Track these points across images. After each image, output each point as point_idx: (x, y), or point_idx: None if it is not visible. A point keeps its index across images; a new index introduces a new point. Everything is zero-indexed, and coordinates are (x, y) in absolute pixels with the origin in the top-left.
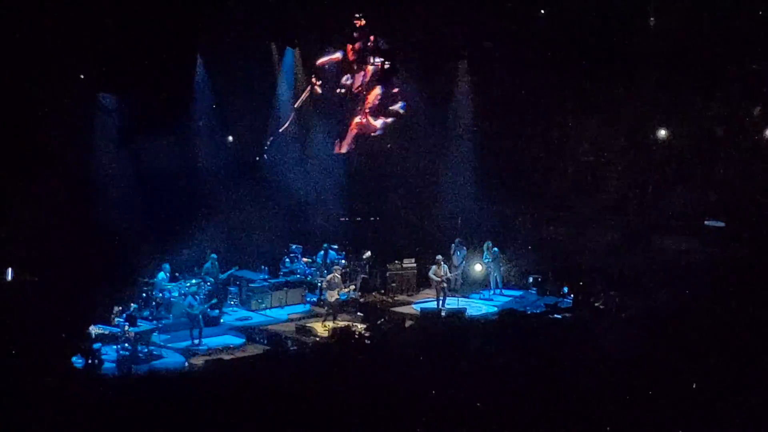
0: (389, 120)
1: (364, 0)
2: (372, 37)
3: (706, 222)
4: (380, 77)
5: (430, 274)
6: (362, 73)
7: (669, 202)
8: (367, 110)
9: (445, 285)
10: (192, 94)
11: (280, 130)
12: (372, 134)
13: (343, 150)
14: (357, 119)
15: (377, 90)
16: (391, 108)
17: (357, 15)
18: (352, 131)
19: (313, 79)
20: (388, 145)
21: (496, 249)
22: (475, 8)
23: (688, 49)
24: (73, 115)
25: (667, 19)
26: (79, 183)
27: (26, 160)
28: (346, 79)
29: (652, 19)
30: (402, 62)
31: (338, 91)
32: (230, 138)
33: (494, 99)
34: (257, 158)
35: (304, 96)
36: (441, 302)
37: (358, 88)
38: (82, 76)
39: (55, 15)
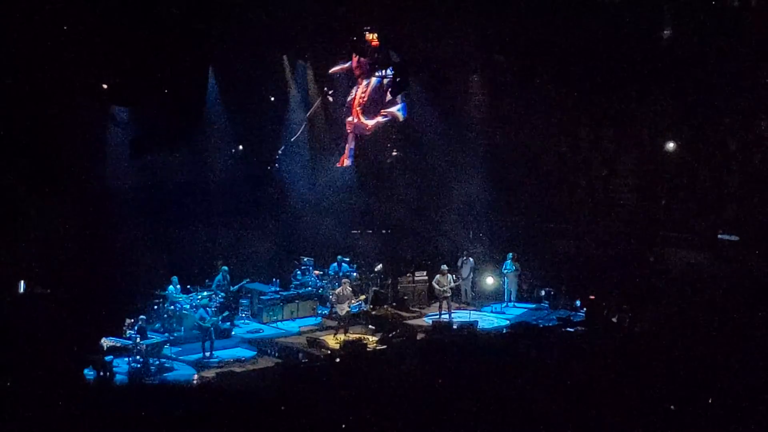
0: (383, 120)
1: (376, 13)
2: (382, 50)
3: (719, 235)
4: (391, 90)
5: (433, 283)
6: (366, 82)
7: (682, 216)
8: (358, 108)
9: (448, 295)
10: (204, 107)
11: (292, 140)
12: (366, 134)
13: (346, 163)
14: (349, 119)
15: (370, 84)
16: (388, 110)
17: (367, 29)
18: (348, 132)
19: (325, 89)
20: (394, 153)
21: (517, 263)
22: (487, 21)
23: (701, 62)
24: (86, 128)
25: (681, 31)
26: (92, 195)
27: (39, 173)
28: (353, 91)
29: (665, 31)
30: (413, 75)
31: (346, 105)
32: (240, 147)
33: (506, 112)
34: (269, 168)
35: (315, 106)
36: (441, 313)
37: (361, 97)
38: (95, 90)
39: (67, 29)
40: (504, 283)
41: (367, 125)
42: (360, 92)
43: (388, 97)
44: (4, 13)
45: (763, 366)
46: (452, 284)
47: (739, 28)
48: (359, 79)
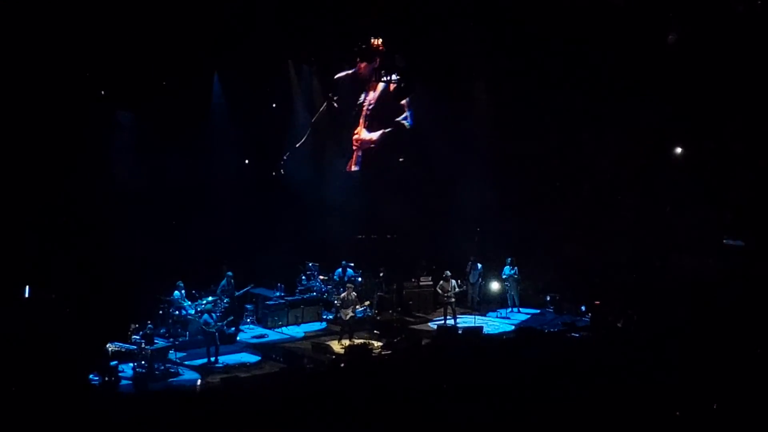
0: (387, 130)
1: (381, 18)
2: (388, 55)
3: (725, 241)
4: (396, 94)
5: (437, 288)
6: (374, 90)
7: (687, 221)
8: (362, 122)
9: (452, 300)
10: (209, 111)
11: (297, 146)
12: (371, 146)
13: (353, 168)
14: (355, 136)
15: (378, 91)
16: (394, 120)
17: (374, 36)
18: (355, 147)
19: (330, 94)
20: (401, 159)
21: (516, 267)
22: (492, 26)
23: (706, 66)
24: (91, 132)
25: (686, 36)
26: (97, 199)
27: (44, 177)
28: (362, 98)
29: (671, 36)
30: (418, 79)
31: (354, 111)
32: (246, 161)
33: (511, 116)
34: (273, 174)
35: (320, 111)
36: (446, 319)
37: (370, 103)
38: (100, 94)
39: (74, 34)
40: (507, 288)
41: (371, 139)
42: (369, 100)
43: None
44: (11, 19)
45: None
46: (456, 289)
47: (745, 33)
48: (369, 87)
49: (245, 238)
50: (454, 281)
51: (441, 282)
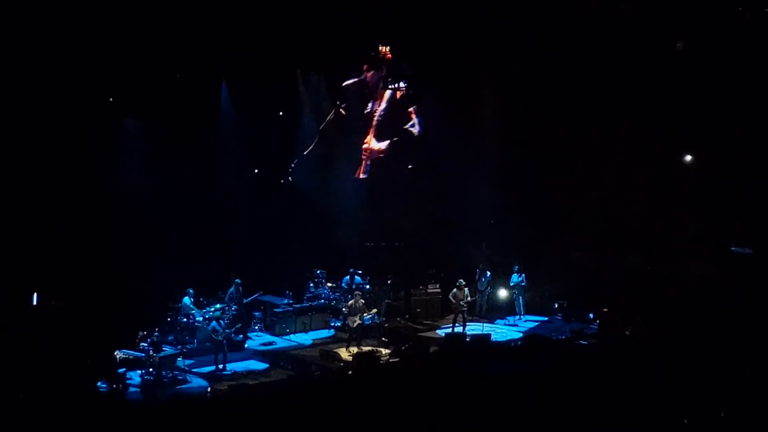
0: (395, 138)
1: (388, 25)
2: (396, 63)
3: (732, 248)
4: (403, 102)
5: (450, 297)
6: (381, 98)
7: (695, 229)
8: (371, 131)
9: (465, 308)
10: (217, 119)
11: (305, 153)
12: (380, 155)
13: (361, 176)
14: (365, 145)
15: (385, 98)
16: (403, 128)
17: (381, 44)
18: (364, 156)
19: (338, 102)
20: (410, 166)
21: (523, 275)
22: (499, 33)
23: (714, 74)
24: (98, 139)
25: (694, 43)
26: (105, 207)
27: (52, 185)
28: (369, 106)
29: (679, 44)
30: (426, 87)
31: (362, 119)
32: (256, 171)
33: (519, 124)
34: (282, 181)
35: (329, 119)
36: (454, 326)
37: (379, 114)
38: (108, 102)
39: (81, 41)
40: (515, 295)
41: (380, 149)
42: (377, 108)
43: (402, 110)
44: (19, 26)
45: None
46: (468, 298)
47: (753, 40)
48: (377, 95)
49: (253, 246)
50: (467, 290)
51: (454, 290)
